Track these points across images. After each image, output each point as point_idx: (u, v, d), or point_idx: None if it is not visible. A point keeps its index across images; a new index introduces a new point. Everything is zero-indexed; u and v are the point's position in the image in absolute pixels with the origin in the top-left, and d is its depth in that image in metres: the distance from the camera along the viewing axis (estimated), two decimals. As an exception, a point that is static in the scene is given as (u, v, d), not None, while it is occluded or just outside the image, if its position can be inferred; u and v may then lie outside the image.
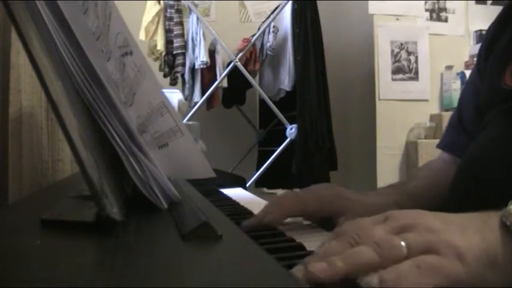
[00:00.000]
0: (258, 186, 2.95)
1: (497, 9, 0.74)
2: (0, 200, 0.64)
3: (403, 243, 0.34)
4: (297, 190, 0.64)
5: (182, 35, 2.80)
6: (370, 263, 0.34)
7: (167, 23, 2.79)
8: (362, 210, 0.61)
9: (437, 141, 0.83)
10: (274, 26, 2.91)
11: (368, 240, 0.35)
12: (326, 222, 0.62)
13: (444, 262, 0.33)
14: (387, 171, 2.98)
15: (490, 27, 0.73)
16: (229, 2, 3.51)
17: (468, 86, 0.79)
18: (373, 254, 0.34)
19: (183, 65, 2.82)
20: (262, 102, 3.07)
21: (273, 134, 3.17)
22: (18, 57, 0.67)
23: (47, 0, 0.35)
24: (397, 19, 3.14)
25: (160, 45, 2.76)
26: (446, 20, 3.25)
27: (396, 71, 3.13)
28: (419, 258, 0.33)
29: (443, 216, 0.38)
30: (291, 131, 2.76)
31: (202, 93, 2.82)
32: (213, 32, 2.82)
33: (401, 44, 3.14)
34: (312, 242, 0.52)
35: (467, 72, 3.10)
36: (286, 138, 2.77)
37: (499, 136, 0.60)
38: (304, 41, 2.75)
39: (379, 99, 3.08)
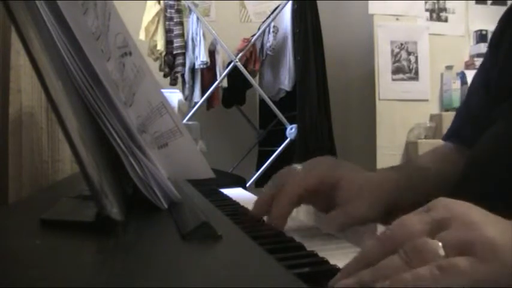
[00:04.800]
0: (258, 186, 2.95)
1: (497, 9, 0.74)
2: (0, 200, 0.64)
3: (440, 244, 0.33)
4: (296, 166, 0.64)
5: (182, 35, 2.80)
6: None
7: (167, 23, 2.79)
8: (360, 180, 0.64)
9: (437, 141, 0.83)
10: (274, 26, 2.90)
11: (403, 245, 0.34)
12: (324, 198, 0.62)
13: (474, 266, 0.32)
14: (387, 171, 2.98)
15: (503, 16, 0.72)
16: (229, 2, 3.51)
17: (479, 72, 0.78)
18: (401, 266, 0.33)
19: (183, 65, 2.82)
20: (262, 102, 3.06)
21: (273, 134, 3.17)
22: (18, 57, 0.67)
23: (47, 0, 0.35)
24: (397, 19, 3.13)
25: (160, 45, 2.76)
26: (446, 20, 3.25)
27: (396, 71, 3.13)
28: (445, 261, 0.32)
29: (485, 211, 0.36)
30: (291, 131, 2.75)
31: (202, 93, 2.82)
32: (213, 32, 2.81)
33: (401, 44, 3.14)
34: (312, 242, 0.52)
35: (467, 72, 3.10)
36: (286, 138, 2.77)
37: (510, 132, 0.59)
38: (304, 41, 2.74)
39: (379, 99, 3.08)
